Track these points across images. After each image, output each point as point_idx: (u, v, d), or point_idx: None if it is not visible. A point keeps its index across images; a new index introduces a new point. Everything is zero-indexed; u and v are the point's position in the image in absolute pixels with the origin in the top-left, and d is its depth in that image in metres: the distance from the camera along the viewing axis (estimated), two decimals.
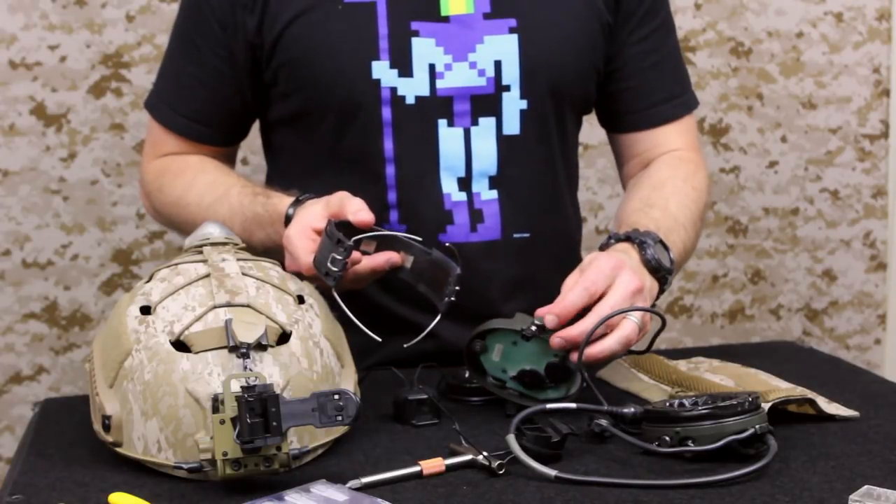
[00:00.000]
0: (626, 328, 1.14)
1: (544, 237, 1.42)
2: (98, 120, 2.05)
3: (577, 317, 1.14)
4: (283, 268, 1.18)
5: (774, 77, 2.40)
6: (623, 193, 1.55)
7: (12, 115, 2.02)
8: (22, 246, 2.05)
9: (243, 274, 1.08)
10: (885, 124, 2.48)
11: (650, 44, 1.47)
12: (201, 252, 1.13)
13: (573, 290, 1.15)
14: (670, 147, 1.49)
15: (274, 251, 1.28)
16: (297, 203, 1.28)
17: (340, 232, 1.15)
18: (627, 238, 1.26)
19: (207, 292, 1.05)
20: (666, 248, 1.27)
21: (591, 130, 1.58)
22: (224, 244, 1.14)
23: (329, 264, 1.14)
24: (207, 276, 1.07)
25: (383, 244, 1.23)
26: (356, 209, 1.19)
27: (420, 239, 1.23)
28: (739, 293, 2.45)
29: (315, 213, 1.22)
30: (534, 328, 1.15)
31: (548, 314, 1.14)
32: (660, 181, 1.43)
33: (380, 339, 1.17)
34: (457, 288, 1.20)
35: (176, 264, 1.11)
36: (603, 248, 1.28)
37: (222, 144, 1.48)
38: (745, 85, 2.38)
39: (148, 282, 1.10)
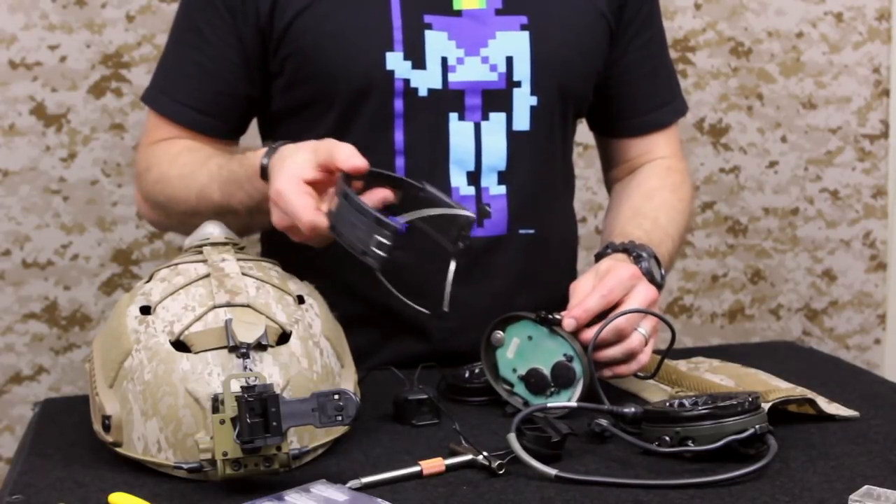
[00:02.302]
0: (634, 340, 1.18)
1: (548, 235, 1.43)
2: (98, 120, 2.05)
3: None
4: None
5: (774, 77, 2.40)
6: (608, 196, 1.58)
7: (12, 115, 2.02)
8: (22, 246, 2.05)
9: (243, 274, 1.08)
10: (885, 124, 2.48)
11: (648, 51, 1.49)
12: (201, 252, 1.13)
13: (592, 295, 1.18)
14: (658, 154, 1.52)
15: (256, 212, 1.25)
16: (272, 151, 1.22)
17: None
18: (625, 249, 1.29)
19: (207, 292, 1.05)
20: (658, 263, 1.30)
21: None
22: (224, 244, 1.14)
23: (374, 247, 1.07)
24: (207, 276, 1.07)
25: (375, 183, 1.17)
26: (347, 155, 1.13)
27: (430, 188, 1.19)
28: (739, 293, 2.45)
29: (303, 163, 1.15)
30: (550, 317, 1.17)
31: (566, 318, 1.16)
32: (650, 191, 1.47)
33: (428, 312, 1.16)
34: (467, 234, 1.17)
35: (176, 264, 1.11)
36: (599, 256, 1.30)
37: (225, 137, 1.44)
38: (745, 85, 2.38)
39: (148, 282, 1.10)
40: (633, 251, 1.28)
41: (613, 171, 1.56)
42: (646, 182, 1.49)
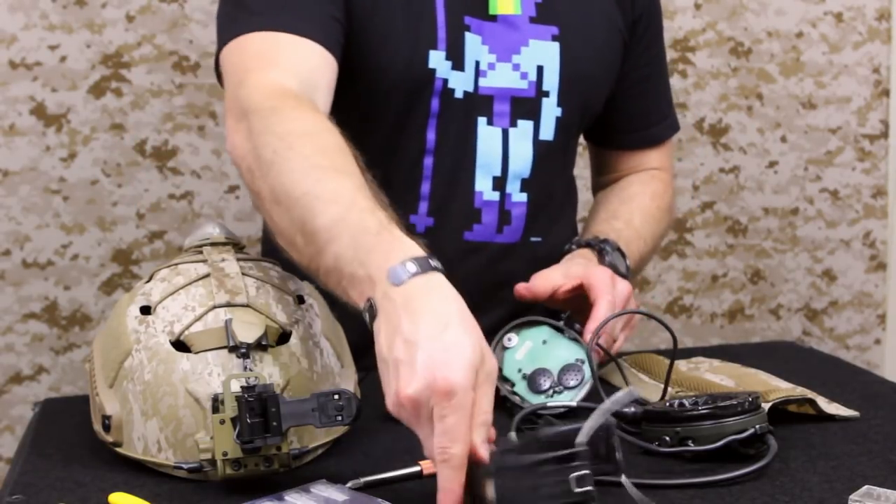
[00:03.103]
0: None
1: (553, 243, 1.43)
2: (98, 120, 2.05)
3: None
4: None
5: (774, 77, 2.40)
6: (592, 200, 1.58)
7: (12, 115, 2.02)
8: (22, 246, 2.05)
9: (243, 274, 1.08)
10: (885, 124, 2.48)
11: (653, 67, 1.50)
12: (201, 252, 1.13)
13: (600, 306, 1.21)
14: (650, 166, 1.54)
15: (345, 281, 0.97)
16: (426, 264, 0.92)
17: None
18: (588, 244, 1.33)
19: (207, 292, 1.05)
20: (623, 255, 1.33)
21: None
22: (224, 244, 1.14)
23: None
24: (207, 276, 1.07)
25: None
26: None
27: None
28: (739, 293, 2.45)
29: (490, 367, 0.90)
30: (576, 325, 1.21)
31: (587, 332, 1.20)
32: (629, 196, 1.49)
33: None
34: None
35: (176, 264, 1.11)
36: (565, 252, 1.34)
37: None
38: (745, 85, 2.38)
39: (148, 282, 1.10)
40: (595, 245, 1.32)
41: (603, 178, 1.57)
42: (627, 188, 1.51)
